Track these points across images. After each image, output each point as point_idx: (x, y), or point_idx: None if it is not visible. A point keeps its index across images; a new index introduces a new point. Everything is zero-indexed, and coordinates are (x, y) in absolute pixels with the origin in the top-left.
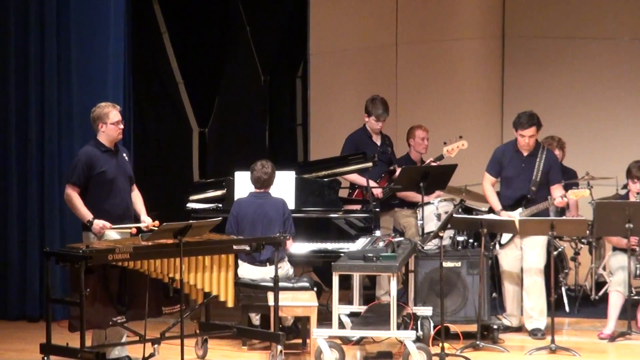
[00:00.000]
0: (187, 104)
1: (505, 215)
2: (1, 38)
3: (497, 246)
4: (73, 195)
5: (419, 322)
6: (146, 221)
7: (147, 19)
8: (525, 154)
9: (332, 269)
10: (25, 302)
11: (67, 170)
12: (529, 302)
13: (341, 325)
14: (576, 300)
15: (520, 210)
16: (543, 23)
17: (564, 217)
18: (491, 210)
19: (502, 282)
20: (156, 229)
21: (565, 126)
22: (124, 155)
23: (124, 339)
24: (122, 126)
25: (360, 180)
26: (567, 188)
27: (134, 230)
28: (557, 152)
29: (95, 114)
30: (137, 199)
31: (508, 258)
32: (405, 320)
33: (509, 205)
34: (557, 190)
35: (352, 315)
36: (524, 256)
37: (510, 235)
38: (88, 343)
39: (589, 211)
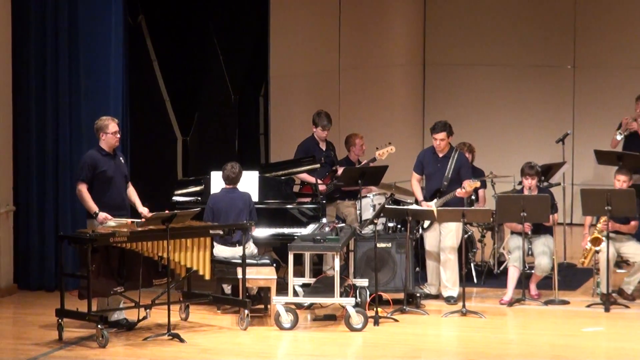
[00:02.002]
0: (173, 117)
1: (424, 205)
2: (25, 67)
3: (421, 230)
4: (83, 190)
5: (357, 291)
6: (143, 211)
7: (140, 50)
8: (440, 155)
9: (288, 249)
10: (44, 276)
11: (77, 170)
12: (445, 275)
13: (295, 293)
14: (482, 274)
15: (435, 200)
16: (457, 52)
17: (473, 208)
18: (416, 201)
19: (422, 259)
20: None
21: (475, 135)
22: (121, 158)
23: (122, 305)
24: (119, 135)
25: (310, 178)
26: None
27: (129, 222)
28: (467, 155)
29: (97, 125)
30: (132, 193)
31: (429, 239)
32: (347, 289)
33: (428, 196)
34: (465, 184)
35: (304, 285)
36: (441, 238)
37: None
38: (94, 308)
39: (492, 203)
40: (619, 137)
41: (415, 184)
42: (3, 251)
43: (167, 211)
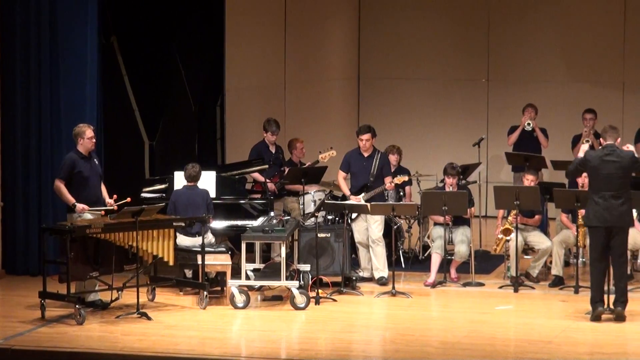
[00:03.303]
0: (141, 124)
1: (353, 199)
2: (11, 79)
3: (349, 221)
4: (61, 186)
5: (301, 275)
6: (110, 201)
7: (113, 66)
8: (365, 155)
9: (241, 239)
10: (28, 262)
11: (58, 169)
12: (376, 260)
13: (247, 277)
14: (409, 260)
15: (363, 194)
16: (387, 68)
17: (401, 202)
18: (344, 197)
19: (356, 247)
20: (119, 203)
21: (403, 139)
22: (95, 160)
23: (97, 288)
24: (94, 140)
25: (260, 177)
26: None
27: (102, 212)
28: (395, 156)
29: (75, 132)
30: (103, 189)
31: (358, 229)
32: (292, 273)
33: (355, 191)
34: (388, 179)
35: (255, 270)
36: (369, 228)
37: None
38: (72, 290)
39: (418, 198)
40: (528, 128)
41: (342, 181)
42: None
43: (128, 200)
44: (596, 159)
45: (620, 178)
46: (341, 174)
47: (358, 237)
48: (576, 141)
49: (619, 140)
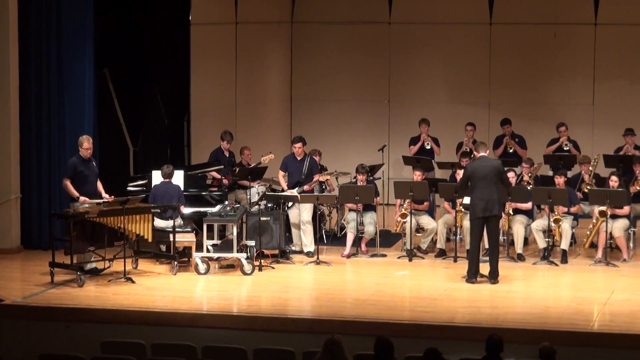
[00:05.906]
0: (126, 134)
1: (289, 192)
2: (27, 99)
3: (286, 208)
4: (67, 183)
5: (248, 248)
6: (106, 196)
7: (105, 90)
8: (298, 158)
9: (203, 221)
10: (41, 239)
11: (63, 169)
12: (305, 238)
13: (208, 250)
14: (330, 237)
15: (297, 188)
16: (313, 91)
17: (324, 194)
18: (282, 190)
19: (291, 227)
20: (112, 200)
21: (325, 146)
22: (93, 162)
23: (93, 259)
24: (89, 151)
25: (217, 175)
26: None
27: (97, 201)
28: (317, 157)
29: (79, 140)
30: (99, 186)
31: (292, 214)
32: (241, 247)
33: (290, 186)
34: (316, 176)
35: (213, 245)
36: (300, 214)
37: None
38: (74, 261)
39: (337, 190)
40: (427, 147)
41: (281, 178)
42: (14, 224)
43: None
44: (475, 166)
45: (492, 180)
46: (280, 173)
47: (292, 220)
48: (459, 147)
49: (488, 151)
